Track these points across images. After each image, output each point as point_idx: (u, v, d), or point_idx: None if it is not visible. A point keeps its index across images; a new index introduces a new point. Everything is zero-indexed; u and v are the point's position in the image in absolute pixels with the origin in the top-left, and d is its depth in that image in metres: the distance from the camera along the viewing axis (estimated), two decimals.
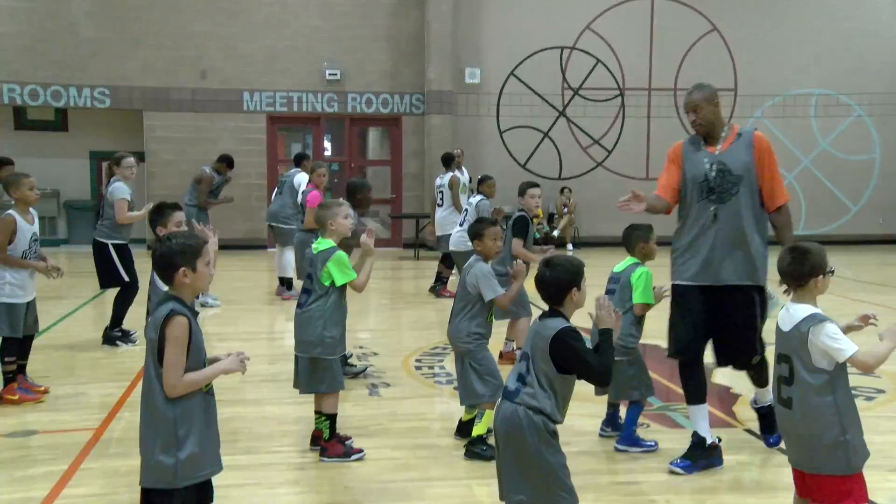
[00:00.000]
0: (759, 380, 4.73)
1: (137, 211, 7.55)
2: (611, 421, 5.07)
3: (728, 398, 5.97)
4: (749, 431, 5.16)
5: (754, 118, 16.93)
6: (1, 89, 15.10)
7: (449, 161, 11.42)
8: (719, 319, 4.47)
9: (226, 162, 10.48)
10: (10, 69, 15.07)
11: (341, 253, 4.65)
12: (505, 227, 6.52)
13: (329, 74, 16.05)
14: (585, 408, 5.21)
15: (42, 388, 5.93)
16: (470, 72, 16.33)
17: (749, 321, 4.42)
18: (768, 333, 3.94)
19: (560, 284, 3.25)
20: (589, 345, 3.24)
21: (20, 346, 5.81)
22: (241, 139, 15.84)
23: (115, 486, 4.27)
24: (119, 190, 7.54)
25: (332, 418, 4.69)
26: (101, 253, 7.61)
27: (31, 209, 5.87)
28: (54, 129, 16.24)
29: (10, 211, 5.74)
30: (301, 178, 9.99)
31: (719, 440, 4.60)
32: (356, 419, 5.32)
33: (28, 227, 5.78)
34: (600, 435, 5.06)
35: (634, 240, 4.94)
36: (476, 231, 4.87)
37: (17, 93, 15.20)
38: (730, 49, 16.90)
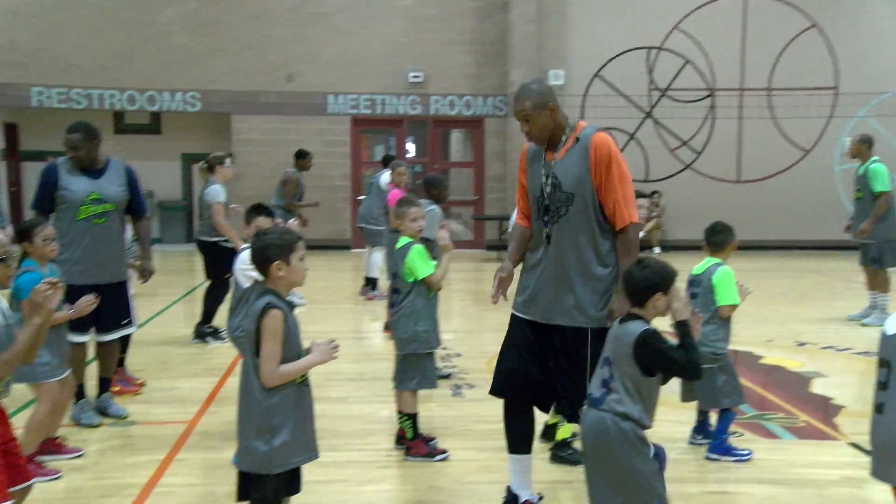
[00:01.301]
0: None
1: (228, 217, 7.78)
2: (701, 429, 4.93)
3: (829, 409, 5.71)
4: (854, 445, 4.91)
5: (857, 118, 16.16)
6: (103, 96, 15.82)
7: None
8: (548, 357, 3.75)
9: (303, 157, 10.32)
10: (110, 77, 15.76)
11: (419, 246, 4.66)
12: None
13: (412, 77, 16.17)
14: (675, 414, 5.07)
15: (139, 381, 6.16)
16: (554, 73, 16.15)
17: (577, 363, 3.62)
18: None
19: (645, 285, 3.17)
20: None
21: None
22: (326, 141, 16.10)
23: (210, 477, 4.39)
24: (214, 193, 7.71)
25: (412, 417, 4.70)
26: (203, 250, 7.86)
27: None
28: (149, 132, 16.93)
29: None
30: (386, 179, 10.06)
31: (540, 497, 4.00)
32: (441, 420, 5.32)
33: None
34: (690, 443, 4.92)
35: (730, 239, 4.83)
36: None
37: (116, 98, 15.89)
38: (831, 45, 16.19)
